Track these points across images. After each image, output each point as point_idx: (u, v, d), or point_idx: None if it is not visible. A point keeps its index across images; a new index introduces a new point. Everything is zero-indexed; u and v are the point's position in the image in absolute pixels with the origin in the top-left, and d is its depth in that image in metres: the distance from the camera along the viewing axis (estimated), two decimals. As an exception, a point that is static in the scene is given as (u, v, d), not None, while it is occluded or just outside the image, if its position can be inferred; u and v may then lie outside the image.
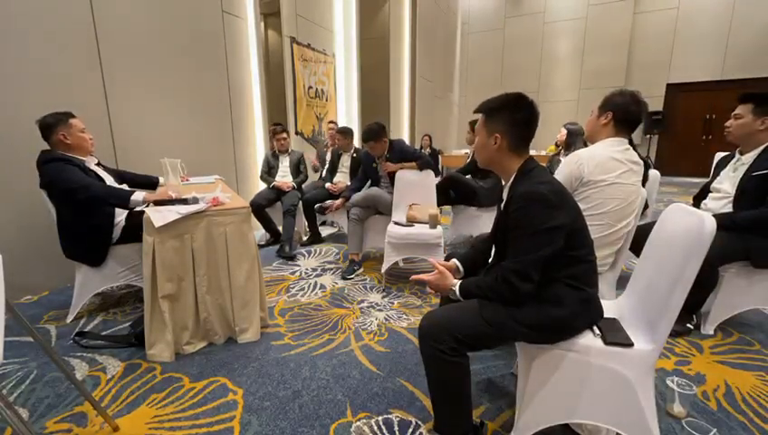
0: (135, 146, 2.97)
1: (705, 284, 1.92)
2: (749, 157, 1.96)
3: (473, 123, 3.37)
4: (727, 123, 2.03)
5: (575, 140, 3.23)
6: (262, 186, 3.94)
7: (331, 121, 5.15)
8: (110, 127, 2.82)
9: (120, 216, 2.18)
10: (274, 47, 4.75)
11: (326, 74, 5.49)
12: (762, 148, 1.92)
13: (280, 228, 3.60)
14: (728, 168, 2.09)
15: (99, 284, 2.20)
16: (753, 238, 1.87)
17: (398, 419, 1.42)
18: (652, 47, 8.93)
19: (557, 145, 3.63)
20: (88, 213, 2.06)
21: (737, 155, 2.05)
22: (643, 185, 1.75)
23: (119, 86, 2.84)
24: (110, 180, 2.24)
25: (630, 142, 1.71)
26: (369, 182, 3.37)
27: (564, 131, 3.35)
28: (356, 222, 2.93)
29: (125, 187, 2.37)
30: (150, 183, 2.58)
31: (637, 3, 8.92)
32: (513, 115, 1.16)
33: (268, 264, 3.17)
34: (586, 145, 1.81)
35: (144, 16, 2.98)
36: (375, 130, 2.98)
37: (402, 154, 3.10)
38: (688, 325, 2.00)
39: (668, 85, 8.93)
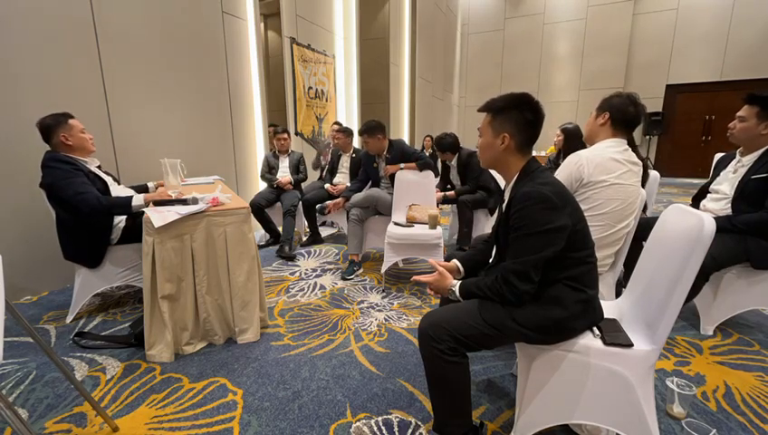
0: (135, 146, 2.98)
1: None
2: (749, 159, 1.96)
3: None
4: (730, 124, 2.02)
5: (575, 143, 3.17)
6: (262, 186, 3.94)
7: (335, 123, 5.15)
8: (109, 127, 2.82)
9: (121, 216, 2.18)
10: (274, 48, 4.75)
11: (326, 75, 5.49)
12: (762, 151, 1.92)
13: (280, 229, 3.60)
14: (728, 169, 2.08)
15: (98, 284, 2.19)
16: (751, 240, 1.87)
17: (397, 419, 1.42)
18: (652, 48, 8.95)
19: (556, 146, 3.62)
20: (87, 219, 2.06)
21: (738, 156, 2.05)
22: (643, 185, 1.75)
23: (119, 86, 2.84)
24: (109, 181, 2.24)
25: (632, 143, 1.71)
26: (369, 183, 3.37)
27: (562, 135, 3.30)
28: (356, 223, 2.93)
29: (123, 188, 2.37)
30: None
31: (636, 4, 8.94)
32: (521, 115, 1.15)
33: (268, 264, 3.17)
34: (585, 146, 1.80)
35: (144, 17, 2.98)
36: (371, 126, 3.03)
37: (402, 154, 3.11)
38: None
39: (668, 86, 8.94)
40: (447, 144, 3.39)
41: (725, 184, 2.04)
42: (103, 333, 2.02)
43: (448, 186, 3.70)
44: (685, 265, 1.00)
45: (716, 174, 2.16)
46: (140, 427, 1.38)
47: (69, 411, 1.45)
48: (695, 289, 1.93)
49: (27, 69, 2.38)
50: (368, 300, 2.49)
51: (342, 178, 3.93)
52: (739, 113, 1.97)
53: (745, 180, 1.92)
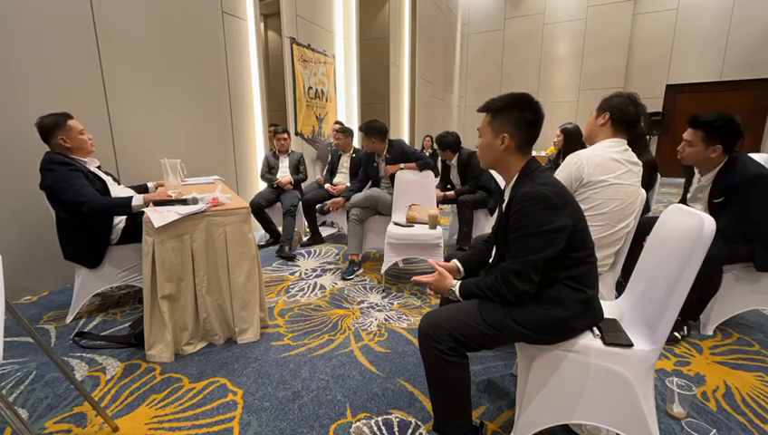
0: (135, 146, 2.97)
1: (708, 286, 1.90)
2: (707, 179, 1.98)
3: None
4: (679, 148, 2.02)
5: (574, 143, 3.18)
6: (262, 186, 3.94)
7: (336, 122, 5.15)
8: (110, 127, 2.82)
9: (121, 217, 2.18)
10: (274, 48, 4.75)
11: (326, 75, 5.49)
12: (716, 171, 1.93)
13: (280, 229, 3.60)
14: (694, 185, 2.09)
15: (98, 284, 2.20)
16: (758, 244, 1.87)
17: (397, 419, 1.42)
18: (652, 48, 8.95)
19: (556, 146, 3.62)
20: (87, 219, 2.06)
21: (697, 174, 2.06)
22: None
23: (119, 86, 2.84)
24: (109, 181, 2.24)
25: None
26: (369, 183, 3.37)
27: (561, 136, 3.30)
28: (356, 223, 2.93)
29: (123, 188, 2.37)
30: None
31: (636, 4, 8.93)
32: (521, 115, 1.15)
33: (268, 264, 3.17)
34: (585, 146, 1.80)
35: (144, 17, 2.98)
36: (371, 126, 3.05)
37: (402, 154, 3.11)
38: (675, 334, 1.93)
39: (668, 86, 8.94)
40: (449, 142, 3.40)
41: (698, 204, 2.05)
42: (103, 333, 2.02)
43: (448, 186, 3.71)
44: (685, 265, 1.00)
45: (688, 177, 2.19)
46: (140, 427, 1.38)
47: (69, 411, 1.45)
48: (714, 284, 1.91)
49: (27, 69, 2.38)
50: (368, 300, 2.49)
51: (342, 178, 3.93)
52: (685, 136, 1.97)
53: (711, 204, 1.94)
